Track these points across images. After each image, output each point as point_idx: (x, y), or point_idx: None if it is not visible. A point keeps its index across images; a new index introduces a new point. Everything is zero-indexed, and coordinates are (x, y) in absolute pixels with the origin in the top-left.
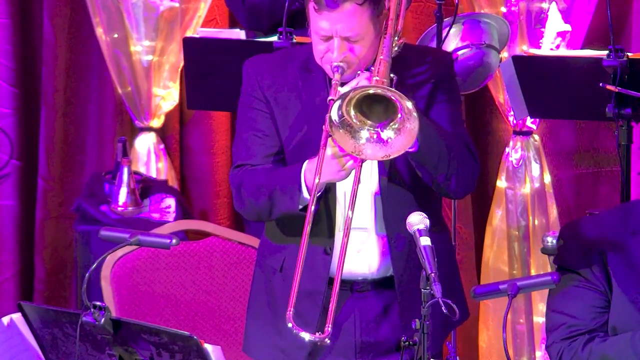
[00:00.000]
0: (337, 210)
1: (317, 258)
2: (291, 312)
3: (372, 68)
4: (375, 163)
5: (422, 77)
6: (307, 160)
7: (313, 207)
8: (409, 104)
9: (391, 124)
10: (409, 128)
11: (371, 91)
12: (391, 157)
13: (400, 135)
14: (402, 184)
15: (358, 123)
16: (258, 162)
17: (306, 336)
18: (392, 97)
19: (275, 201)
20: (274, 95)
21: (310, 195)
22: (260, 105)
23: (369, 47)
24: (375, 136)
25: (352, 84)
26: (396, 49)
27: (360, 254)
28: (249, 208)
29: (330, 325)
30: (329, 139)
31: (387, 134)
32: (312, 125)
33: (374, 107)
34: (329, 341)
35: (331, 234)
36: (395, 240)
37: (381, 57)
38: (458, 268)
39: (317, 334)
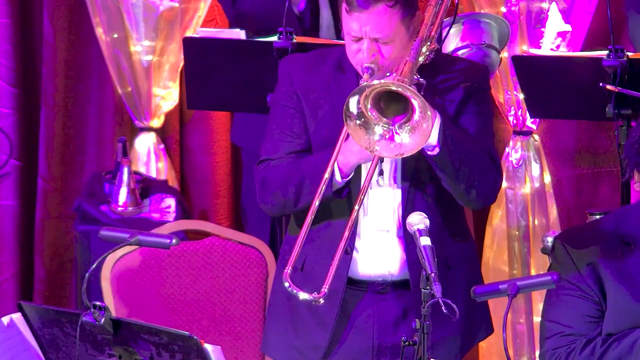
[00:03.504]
0: (360, 212)
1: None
2: (289, 271)
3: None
4: (400, 168)
5: (454, 81)
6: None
7: (324, 193)
8: (425, 105)
9: (406, 122)
10: (424, 128)
11: (389, 88)
12: (404, 156)
13: (414, 135)
14: (424, 190)
15: (374, 119)
16: (283, 158)
17: (302, 295)
18: (410, 96)
19: (304, 188)
20: (306, 93)
21: (327, 167)
22: (292, 102)
23: (400, 50)
24: (389, 133)
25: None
26: (427, 53)
27: (381, 255)
28: (274, 200)
29: (327, 287)
30: None
31: (401, 132)
32: (340, 122)
33: (391, 105)
34: (322, 301)
35: (353, 234)
36: (413, 245)
37: (407, 58)
38: (482, 282)
39: (314, 294)
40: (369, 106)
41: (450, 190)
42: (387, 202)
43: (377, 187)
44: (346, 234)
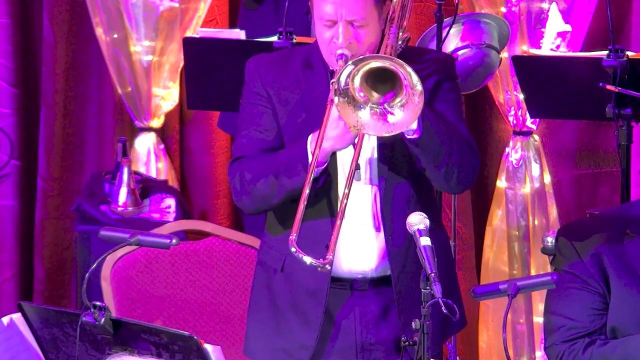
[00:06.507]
0: (337, 208)
1: (320, 255)
2: (294, 237)
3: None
4: (375, 161)
5: (425, 71)
6: (311, 134)
7: (312, 180)
8: (415, 79)
9: (396, 99)
10: (414, 104)
11: (379, 63)
12: (393, 134)
13: (405, 111)
14: (400, 182)
15: (363, 96)
16: (256, 155)
17: (307, 260)
18: (400, 72)
19: (280, 180)
20: (276, 91)
21: (312, 158)
22: (262, 101)
23: (372, 36)
24: (378, 111)
25: None
26: (400, 42)
27: (360, 251)
28: (250, 196)
29: (332, 254)
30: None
31: (391, 109)
32: (311, 114)
33: (380, 84)
34: (329, 267)
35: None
36: (393, 237)
37: (388, 42)
38: (455, 270)
39: (320, 260)
40: (357, 85)
41: (430, 175)
42: (364, 196)
43: (354, 182)
44: (338, 222)
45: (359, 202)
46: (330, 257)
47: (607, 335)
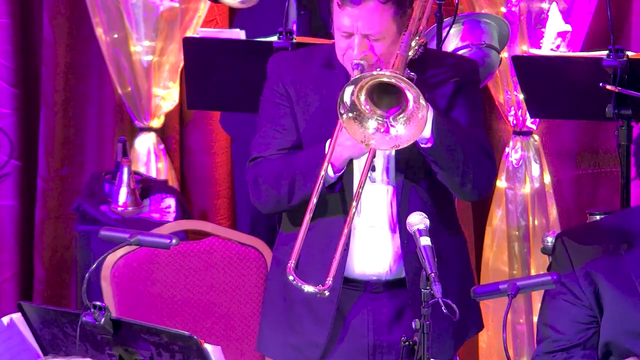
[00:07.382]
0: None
1: (334, 255)
2: (292, 264)
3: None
4: (393, 163)
5: (443, 76)
6: (329, 139)
7: (322, 188)
8: (419, 94)
9: (401, 114)
10: (419, 118)
11: (383, 79)
12: (400, 148)
13: (410, 125)
14: (418, 185)
15: (368, 111)
16: (274, 155)
17: (307, 288)
18: (404, 87)
19: (297, 184)
20: (296, 90)
21: (323, 163)
22: (282, 99)
23: (390, 46)
24: (384, 126)
25: None
26: (416, 47)
27: (374, 253)
28: (267, 198)
29: (330, 279)
30: None
31: (396, 124)
32: (331, 119)
33: (384, 98)
34: (327, 293)
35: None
36: (408, 240)
37: (398, 51)
38: (473, 276)
39: (319, 286)
40: (362, 99)
41: (446, 183)
42: (380, 198)
43: (370, 184)
44: (345, 230)
45: (375, 204)
46: (330, 282)
47: (600, 349)
